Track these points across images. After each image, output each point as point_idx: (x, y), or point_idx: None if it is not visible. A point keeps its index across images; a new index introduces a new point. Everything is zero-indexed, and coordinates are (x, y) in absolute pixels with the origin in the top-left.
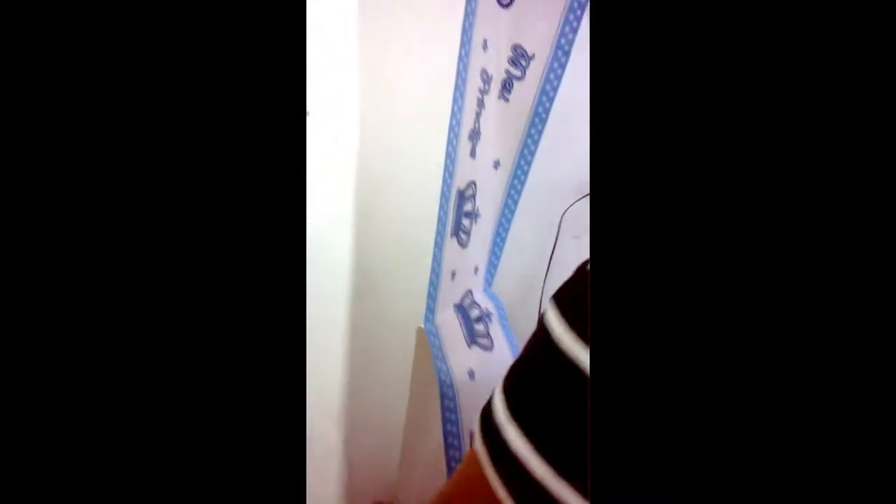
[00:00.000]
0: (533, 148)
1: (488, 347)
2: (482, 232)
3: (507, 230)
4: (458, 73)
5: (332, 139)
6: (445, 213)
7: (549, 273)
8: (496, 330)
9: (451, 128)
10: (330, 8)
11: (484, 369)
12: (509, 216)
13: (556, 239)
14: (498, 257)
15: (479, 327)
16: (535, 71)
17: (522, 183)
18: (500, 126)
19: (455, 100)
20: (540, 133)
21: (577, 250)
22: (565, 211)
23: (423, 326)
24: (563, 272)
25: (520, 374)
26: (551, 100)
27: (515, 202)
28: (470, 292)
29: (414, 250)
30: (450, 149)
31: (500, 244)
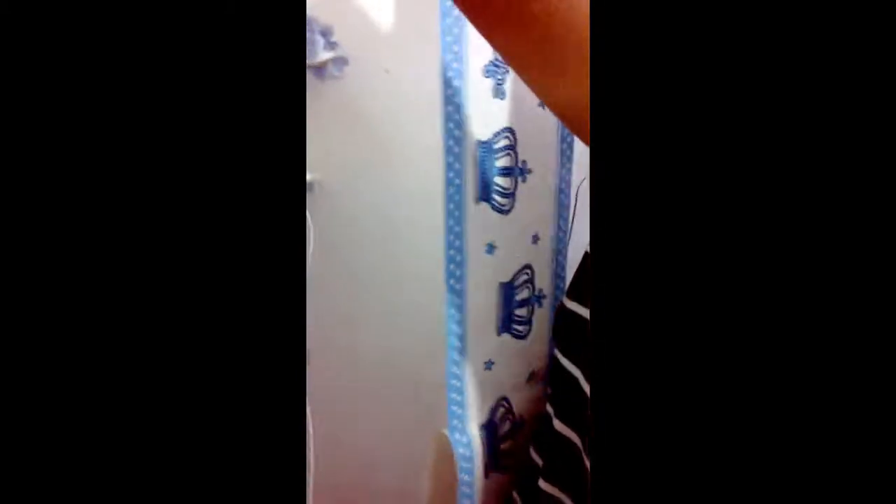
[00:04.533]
0: None
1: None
2: (541, 190)
3: (568, 185)
4: None
5: None
6: (461, 175)
7: (570, 234)
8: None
9: (445, 62)
10: None
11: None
12: (568, 166)
13: (574, 205)
14: (565, 220)
15: (521, 311)
16: None
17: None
18: None
19: (445, 27)
20: None
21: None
22: (580, 182)
23: (445, 433)
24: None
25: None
26: None
27: (570, 147)
28: (529, 269)
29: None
30: (448, 91)
31: (565, 203)
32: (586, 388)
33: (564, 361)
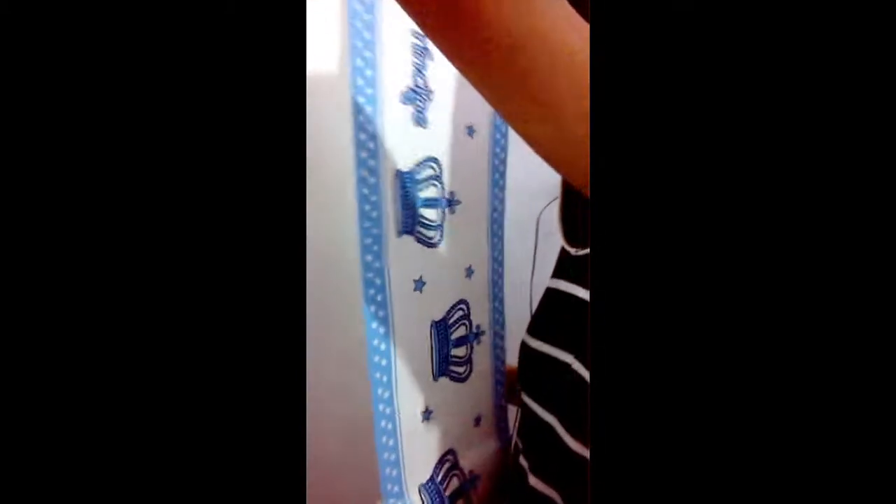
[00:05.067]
0: None
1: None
2: (471, 221)
3: (501, 215)
4: (354, 14)
5: None
6: (378, 207)
7: (534, 268)
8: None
9: (356, 87)
10: None
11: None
12: (500, 196)
13: (536, 236)
14: (500, 251)
15: (459, 352)
16: None
17: (504, 151)
18: (465, 82)
19: (355, 50)
20: None
21: (551, 245)
22: (541, 212)
23: None
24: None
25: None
26: None
27: (503, 176)
28: (464, 304)
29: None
30: (360, 118)
31: (499, 234)
32: (565, 436)
33: (536, 407)
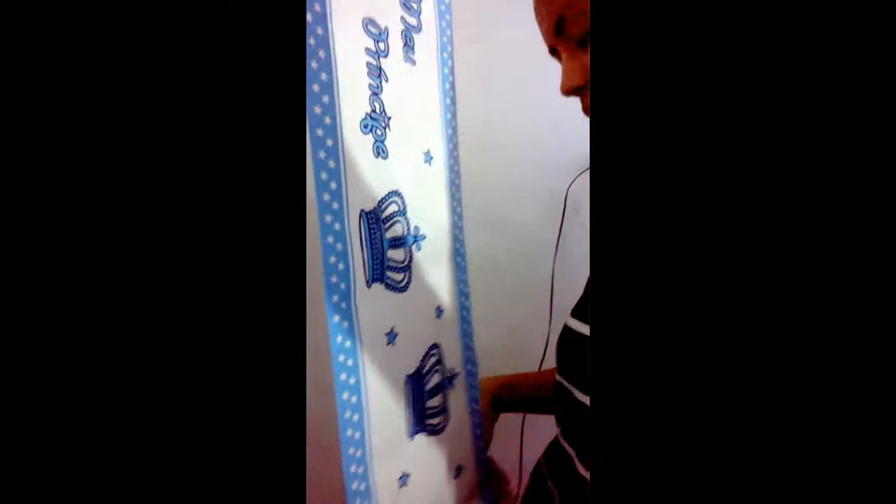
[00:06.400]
0: (453, 124)
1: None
2: (437, 256)
3: (463, 246)
4: (312, 33)
5: None
6: (345, 258)
7: (559, 244)
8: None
9: (313, 117)
10: None
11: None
12: (460, 225)
13: (564, 210)
14: (466, 283)
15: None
16: (428, 16)
17: (459, 177)
18: (422, 104)
19: (310, 72)
20: (453, 103)
21: (578, 223)
22: (570, 185)
23: None
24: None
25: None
26: (452, 55)
27: (460, 204)
28: (436, 349)
29: None
30: (320, 154)
31: (463, 266)
32: None
33: (580, 396)
